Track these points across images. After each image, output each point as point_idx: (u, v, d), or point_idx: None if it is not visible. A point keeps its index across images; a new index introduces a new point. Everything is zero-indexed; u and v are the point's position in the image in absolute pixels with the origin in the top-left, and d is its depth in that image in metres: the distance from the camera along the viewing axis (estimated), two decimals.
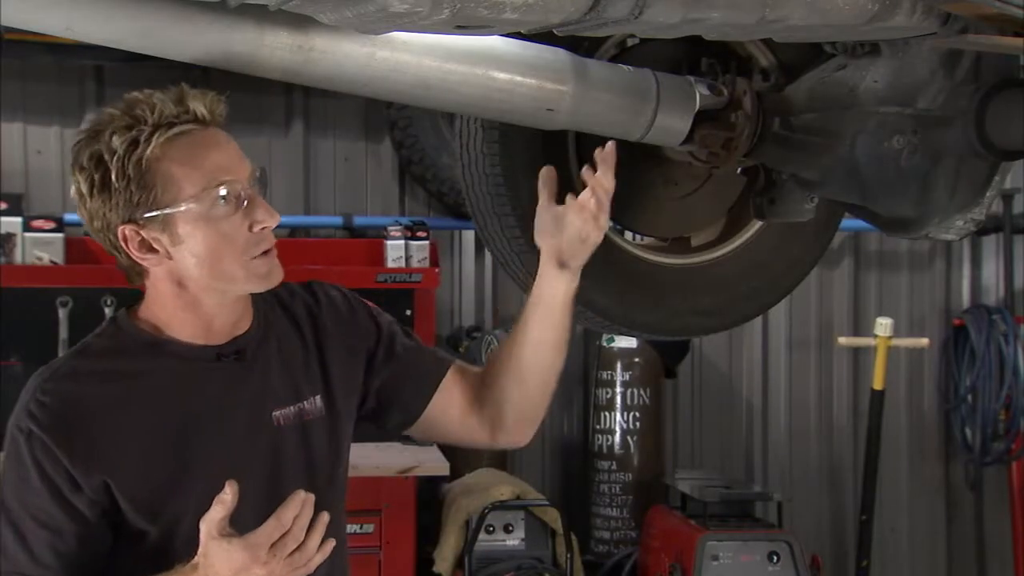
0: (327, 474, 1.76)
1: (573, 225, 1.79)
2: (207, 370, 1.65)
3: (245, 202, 1.59)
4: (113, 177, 1.54)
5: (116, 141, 1.53)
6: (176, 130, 1.55)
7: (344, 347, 1.81)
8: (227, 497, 1.49)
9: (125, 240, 1.58)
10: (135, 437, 1.60)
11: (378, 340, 1.85)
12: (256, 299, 1.74)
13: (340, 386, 1.78)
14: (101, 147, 1.54)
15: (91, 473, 1.56)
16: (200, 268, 1.60)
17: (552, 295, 1.84)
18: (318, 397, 1.74)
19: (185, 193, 1.56)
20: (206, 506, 1.54)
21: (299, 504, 1.50)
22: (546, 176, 1.83)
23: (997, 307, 5.19)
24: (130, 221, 1.56)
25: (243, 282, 1.64)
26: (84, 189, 1.58)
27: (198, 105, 1.56)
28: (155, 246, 1.58)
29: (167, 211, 1.55)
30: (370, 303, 1.90)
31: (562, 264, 1.81)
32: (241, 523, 1.55)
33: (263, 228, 1.61)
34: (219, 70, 1.71)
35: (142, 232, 1.57)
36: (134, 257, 1.60)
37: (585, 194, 1.78)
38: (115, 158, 1.53)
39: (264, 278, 1.64)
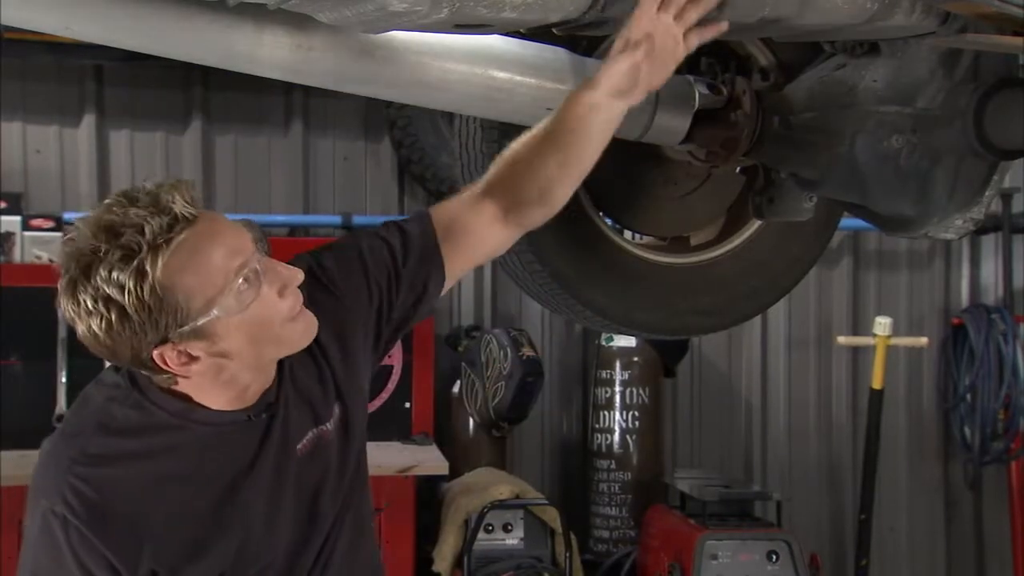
0: (353, 467, 1.74)
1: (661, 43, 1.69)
2: (237, 432, 1.60)
3: (264, 276, 1.50)
4: (132, 312, 1.43)
5: (120, 276, 1.41)
6: (175, 243, 1.43)
7: (337, 344, 1.74)
8: None
9: (163, 361, 1.48)
10: (174, 515, 1.55)
11: (376, 304, 1.76)
12: None
13: (346, 379, 1.74)
14: (102, 285, 1.42)
15: (137, 563, 1.51)
16: (242, 359, 1.53)
17: (603, 127, 1.75)
18: (335, 406, 1.71)
19: (208, 298, 1.46)
20: (245, 558, 1.57)
21: None
22: None
23: (996, 306, 5.19)
24: (163, 342, 1.47)
25: (287, 349, 1.59)
26: (100, 329, 1.45)
27: (179, 206, 1.44)
28: (194, 354, 1.49)
29: (199, 322, 1.47)
30: (348, 245, 1.77)
31: (624, 94, 1.73)
32: (280, 551, 1.60)
33: (293, 285, 1.53)
34: (219, 69, 1.71)
35: (179, 347, 1.48)
36: (178, 373, 1.51)
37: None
38: (126, 293, 1.42)
39: (303, 337, 1.58)
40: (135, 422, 1.56)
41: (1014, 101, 1.95)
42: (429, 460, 4.03)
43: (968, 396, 5.14)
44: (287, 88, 4.52)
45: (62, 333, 3.93)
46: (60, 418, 3.92)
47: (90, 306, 1.44)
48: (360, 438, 1.76)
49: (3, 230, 4.10)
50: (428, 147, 4.62)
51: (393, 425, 4.22)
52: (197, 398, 1.56)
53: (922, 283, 5.42)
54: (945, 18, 1.71)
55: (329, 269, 1.73)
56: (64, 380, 3.94)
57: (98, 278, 1.42)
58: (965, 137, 1.96)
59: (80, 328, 1.48)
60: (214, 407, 1.57)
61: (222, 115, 4.64)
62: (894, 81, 1.99)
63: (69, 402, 3.92)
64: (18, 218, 4.11)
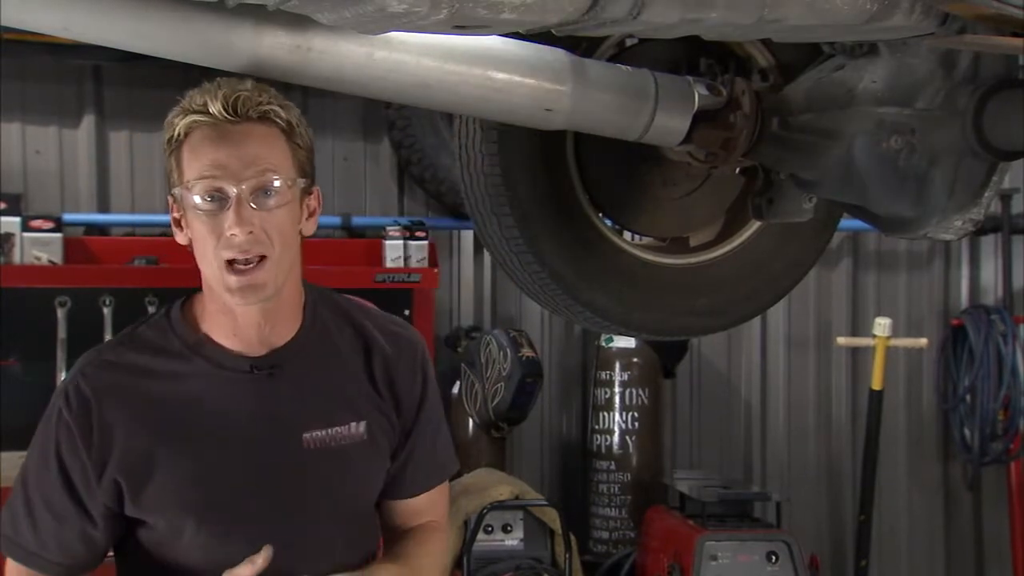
0: (352, 500, 1.76)
1: None
2: (238, 381, 1.67)
3: (228, 206, 1.58)
4: (166, 147, 1.64)
5: (170, 116, 1.63)
6: (192, 119, 1.60)
7: (389, 391, 1.79)
8: (259, 561, 1.56)
9: (169, 208, 1.67)
10: (156, 441, 1.63)
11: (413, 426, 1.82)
12: (320, 308, 1.74)
13: (382, 424, 1.76)
14: (171, 116, 1.64)
15: (104, 471, 1.63)
16: (199, 259, 1.63)
17: None
18: (362, 424, 1.72)
19: (184, 177, 1.61)
20: (214, 515, 1.60)
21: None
22: None
23: (996, 307, 5.19)
24: (171, 188, 1.65)
25: (219, 288, 1.62)
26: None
27: (214, 102, 1.59)
28: (181, 222, 1.64)
29: (174, 190, 1.63)
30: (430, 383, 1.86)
31: None
32: (251, 536, 1.60)
33: (232, 235, 1.57)
34: (219, 70, 1.71)
35: (174, 205, 1.65)
36: (172, 223, 1.67)
37: None
38: (166, 125, 1.63)
39: (232, 292, 1.60)
40: (151, 341, 1.69)
41: (1013, 102, 1.95)
42: None
43: (968, 397, 5.14)
44: (286, 88, 4.51)
45: (62, 334, 3.92)
46: None
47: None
48: (371, 479, 1.78)
49: (3, 231, 4.09)
50: (428, 148, 4.62)
51: None
52: (205, 326, 1.68)
53: (921, 284, 5.42)
54: (944, 19, 1.71)
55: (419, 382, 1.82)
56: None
57: (173, 111, 1.64)
58: (964, 138, 1.96)
59: None
60: (217, 339, 1.67)
61: None
62: (893, 82, 1.99)
63: None
64: (18, 219, 4.10)
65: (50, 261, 4.09)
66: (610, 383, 4.70)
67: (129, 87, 4.57)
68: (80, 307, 3.95)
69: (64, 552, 1.67)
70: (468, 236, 4.87)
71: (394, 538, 1.85)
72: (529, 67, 1.90)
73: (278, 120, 1.62)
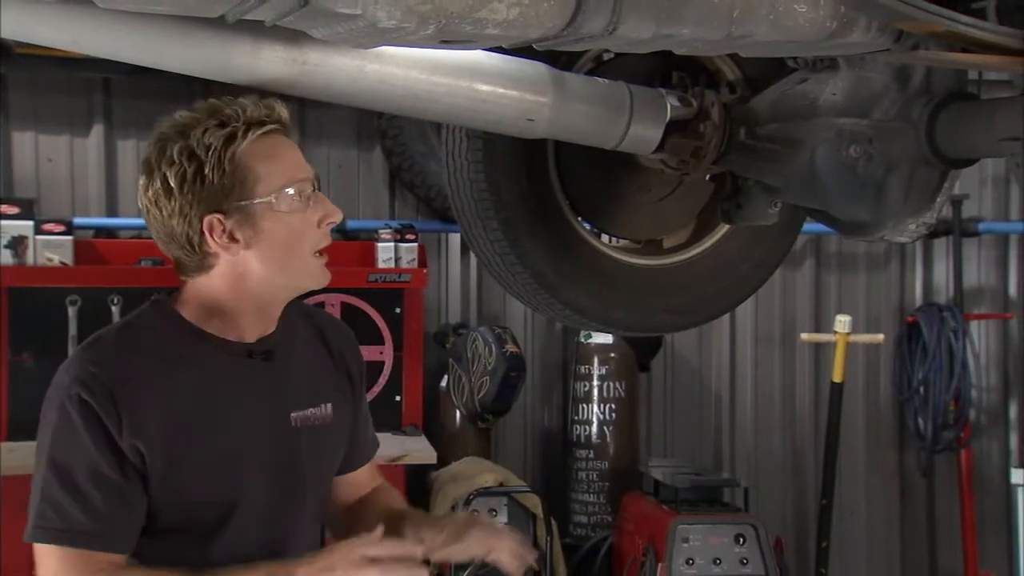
0: (328, 476, 1.79)
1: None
2: (239, 365, 1.66)
3: (312, 200, 1.61)
4: (207, 170, 1.54)
5: (210, 137, 1.54)
6: (265, 129, 1.57)
7: (348, 379, 1.82)
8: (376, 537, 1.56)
9: (211, 229, 1.57)
10: (167, 414, 1.59)
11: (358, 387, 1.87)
12: (286, 308, 1.74)
13: (342, 405, 1.79)
14: (193, 143, 1.54)
15: (131, 438, 1.56)
16: (270, 263, 1.61)
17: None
18: (328, 406, 1.74)
19: (269, 187, 1.57)
20: (215, 485, 1.58)
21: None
22: None
23: (947, 305, 5.20)
24: (216, 211, 1.56)
25: (305, 278, 1.65)
26: (173, 182, 1.55)
27: (282, 110, 1.60)
28: (237, 235, 1.58)
29: (254, 202, 1.56)
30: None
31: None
32: (250, 503, 1.60)
33: (330, 223, 1.63)
34: (220, 82, 1.70)
35: (227, 222, 1.57)
36: (214, 246, 1.58)
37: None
38: (211, 151, 1.54)
39: (319, 276, 1.65)
40: (151, 326, 1.65)
41: (963, 113, 1.96)
42: (418, 450, 4.02)
43: (921, 389, 5.15)
44: (283, 99, 4.50)
45: (72, 331, 3.90)
46: None
47: (175, 157, 1.54)
48: (334, 457, 1.80)
49: (16, 234, 4.06)
50: (417, 155, 4.60)
51: (384, 417, 4.21)
52: (203, 323, 1.64)
53: (879, 284, 5.43)
54: (899, 36, 1.71)
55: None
56: None
57: (192, 136, 1.54)
58: (918, 147, 1.97)
59: (155, 184, 1.57)
60: (216, 333, 1.64)
61: None
62: (852, 94, 2.00)
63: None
64: (31, 222, 4.07)
65: (61, 262, 4.06)
66: (589, 377, 4.69)
67: (136, 98, 4.53)
68: (90, 306, 3.93)
69: (115, 518, 1.57)
70: (455, 239, 4.86)
71: (348, 511, 1.86)
72: (512, 80, 1.90)
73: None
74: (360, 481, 1.88)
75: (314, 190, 1.62)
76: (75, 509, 1.55)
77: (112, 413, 1.55)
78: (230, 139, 1.55)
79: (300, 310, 1.80)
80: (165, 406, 1.59)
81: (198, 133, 1.54)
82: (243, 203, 1.56)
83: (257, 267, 1.61)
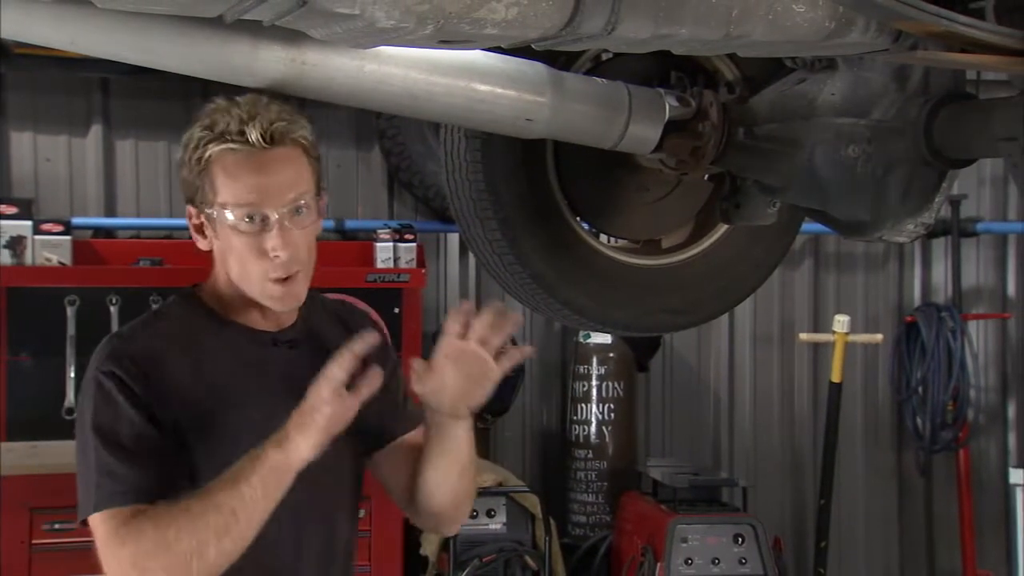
0: (351, 471, 1.81)
1: (469, 368, 1.68)
2: (263, 351, 1.72)
3: (272, 229, 1.63)
4: (185, 162, 1.66)
5: (194, 134, 1.65)
6: (228, 147, 1.62)
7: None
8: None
9: (188, 216, 1.69)
10: (191, 392, 1.65)
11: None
12: (310, 302, 1.78)
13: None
14: (188, 133, 1.66)
15: (162, 407, 1.63)
16: (232, 269, 1.68)
17: (457, 446, 1.74)
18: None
19: (220, 200, 1.63)
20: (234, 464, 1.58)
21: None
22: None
23: (946, 305, 5.21)
24: (190, 202, 1.68)
25: (258, 296, 1.69)
26: (179, 159, 1.69)
27: (254, 132, 1.61)
28: (205, 231, 1.68)
29: (207, 209, 1.65)
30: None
31: (458, 415, 1.71)
32: (290, 491, 1.60)
33: (275, 256, 1.63)
34: (218, 82, 1.70)
35: (199, 216, 1.68)
36: (193, 232, 1.70)
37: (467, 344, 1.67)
38: (188, 147, 1.65)
39: (275, 300, 1.68)
40: (177, 313, 1.74)
41: (961, 114, 1.96)
42: None
43: (920, 389, 5.16)
44: (282, 100, 4.49)
45: (71, 331, 3.89)
46: (69, 411, 3.90)
47: (182, 140, 1.68)
48: (356, 454, 1.81)
49: (15, 234, 4.06)
50: (416, 155, 4.60)
51: None
52: (226, 307, 1.71)
53: (877, 283, 5.44)
54: (897, 36, 1.71)
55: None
56: (73, 375, 3.91)
57: (194, 126, 1.66)
58: (916, 147, 1.97)
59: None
60: (239, 320, 1.72)
61: None
62: (851, 94, 2.00)
63: (77, 396, 3.89)
64: (29, 222, 4.08)
65: (60, 262, 4.06)
66: (587, 377, 4.69)
67: (135, 98, 4.54)
68: (88, 306, 3.92)
69: (165, 476, 1.61)
70: (454, 238, 4.86)
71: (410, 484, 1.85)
72: (510, 80, 1.90)
73: (303, 141, 1.67)
74: (415, 446, 1.84)
75: (267, 220, 1.62)
76: (127, 471, 1.60)
77: (141, 384, 1.63)
78: (200, 143, 1.63)
79: (328, 305, 1.85)
80: (190, 385, 1.65)
81: (192, 128, 1.65)
82: (204, 205, 1.66)
83: (230, 266, 1.68)
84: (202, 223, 1.68)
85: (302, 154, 1.67)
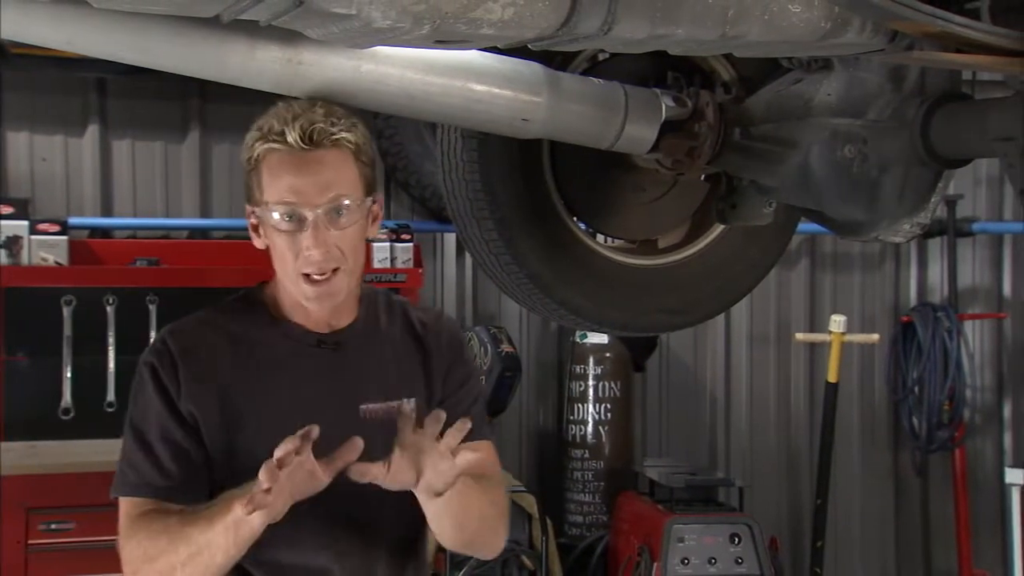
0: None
1: (433, 465, 1.63)
2: (306, 353, 1.75)
3: (306, 228, 1.65)
4: (242, 160, 1.71)
5: (250, 134, 1.69)
6: (271, 146, 1.65)
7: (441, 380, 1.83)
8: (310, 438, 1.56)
9: (247, 214, 1.73)
10: (226, 388, 1.71)
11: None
12: (373, 304, 1.82)
13: (429, 401, 1.79)
14: (248, 133, 1.70)
15: (187, 404, 1.69)
16: (276, 265, 1.72)
17: (438, 511, 1.71)
18: (411, 401, 1.72)
19: (265, 198, 1.67)
20: (299, 486, 1.57)
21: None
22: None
23: (942, 305, 5.22)
24: (248, 201, 1.72)
25: (297, 295, 1.71)
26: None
27: (293, 132, 1.64)
28: (260, 230, 1.72)
29: (257, 209, 1.70)
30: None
31: (437, 494, 1.66)
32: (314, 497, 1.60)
33: (308, 255, 1.66)
34: (215, 82, 1.70)
35: (253, 214, 1.71)
36: (251, 229, 1.73)
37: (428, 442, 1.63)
38: (244, 148, 1.70)
39: (310, 299, 1.70)
40: (234, 309, 1.80)
41: (957, 114, 1.96)
42: None
43: (916, 389, 5.17)
44: (279, 100, 4.49)
45: (67, 331, 3.89)
46: (66, 411, 3.90)
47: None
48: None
49: (11, 234, 4.06)
50: (412, 155, 4.60)
51: None
52: (281, 305, 1.76)
53: (874, 283, 5.44)
54: (893, 36, 1.71)
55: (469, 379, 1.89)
56: (69, 375, 3.90)
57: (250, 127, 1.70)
58: (912, 147, 1.97)
59: None
60: (291, 318, 1.76)
61: (218, 125, 4.61)
62: (846, 95, 2.00)
63: (74, 396, 3.89)
64: (25, 222, 4.07)
65: (56, 262, 4.06)
66: (584, 376, 4.70)
67: (131, 98, 4.53)
68: (85, 306, 3.92)
69: (183, 473, 1.69)
70: (450, 239, 4.86)
71: None
72: (507, 80, 1.90)
73: (348, 144, 1.68)
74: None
75: (303, 219, 1.64)
76: (148, 466, 1.69)
77: (174, 379, 1.69)
78: (253, 142, 1.67)
79: (409, 313, 1.86)
80: (225, 381, 1.71)
81: (255, 130, 1.68)
82: (254, 204, 1.70)
83: (276, 265, 1.71)
84: (257, 223, 1.72)
85: (348, 156, 1.68)
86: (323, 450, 1.61)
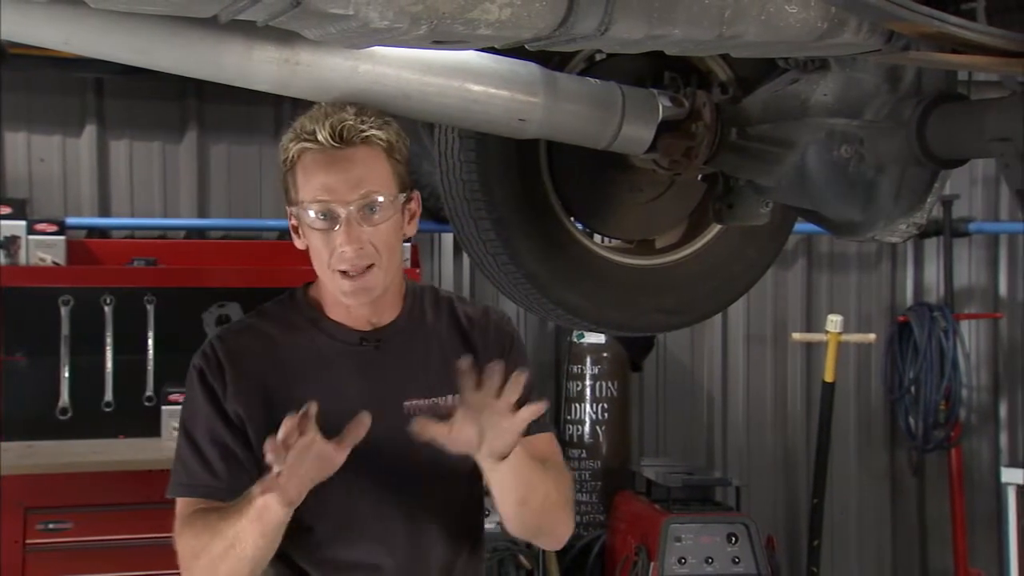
0: (453, 468, 1.74)
1: (495, 424, 1.63)
2: (349, 352, 1.77)
3: (339, 225, 1.67)
4: (279, 161, 1.74)
5: (286, 136, 1.72)
6: (303, 145, 1.68)
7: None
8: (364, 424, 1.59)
9: (288, 214, 1.76)
10: (270, 387, 1.73)
11: None
12: (419, 299, 1.83)
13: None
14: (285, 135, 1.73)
15: (233, 403, 1.73)
16: (314, 263, 1.74)
17: (502, 481, 1.71)
18: (457, 397, 1.68)
19: (300, 197, 1.70)
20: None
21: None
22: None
23: (938, 305, 5.22)
24: (288, 201, 1.74)
25: (334, 292, 1.74)
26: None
27: (323, 131, 1.66)
28: (299, 230, 1.74)
29: (294, 209, 1.72)
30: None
31: (500, 456, 1.66)
32: (345, 482, 1.62)
33: (342, 251, 1.68)
34: (212, 82, 1.70)
35: (293, 215, 1.74)
36: (291, 229, 1.76)
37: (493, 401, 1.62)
38: (280, 149, 1.73)
39: (345, 295, 1.72)
40: (277, 314, 1.83)
41: (953, 114, 1.96)
42: None
43: (912, 388, 5.17)
44: (277, 100, 4.49)
45: (65, 331, 3.89)
46: (64, 411, 3.90)
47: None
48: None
49: (9, 234, 4.06)
50: (410, 156, 4.60)
51: None
52: (323, 305, 1.79)
53: (870, 283, 5.45)
54: (889, 37, 1.72)
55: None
56: (67, 375, 3.90)
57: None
58: (909, 147, 1.97)
59: None
60: (333, 317, 1.78)
61: (216, 125, 4.61)
62: (843, 95, 2.00)
63: (72, 396, 3.89)
64: (23, 222, 4.07)
65: (54, 262, 4.06)
66: (581, 376, 4.70)
67: (129, 99, 4.53)
68: (82, 306, 3.92)
69: (231, 473, 1.72)
70: (448, 239, 4.86)
71: None
72: (504, 80, 1.90)
73: (379, 142, 1.70)
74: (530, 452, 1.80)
75: (336, 217, 1.66)
76: (197, 466, 1.73)
77: (220, 380, 1.74)
78: (288, 142, 1.70)
79: (456, 310, 1.86)
80: (270, 381, 1.73)
81: (290, 132, 1.70)
82: (292, 205, 1.72)
83: (314, 263, 1.74)
84: (296, 223, 1.74)
85: (379, 153, 1.70)
86: (364, 447, 1.61)
